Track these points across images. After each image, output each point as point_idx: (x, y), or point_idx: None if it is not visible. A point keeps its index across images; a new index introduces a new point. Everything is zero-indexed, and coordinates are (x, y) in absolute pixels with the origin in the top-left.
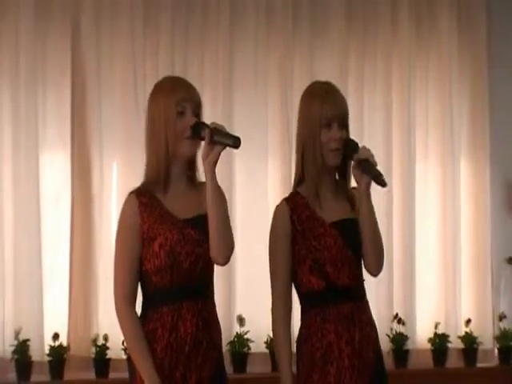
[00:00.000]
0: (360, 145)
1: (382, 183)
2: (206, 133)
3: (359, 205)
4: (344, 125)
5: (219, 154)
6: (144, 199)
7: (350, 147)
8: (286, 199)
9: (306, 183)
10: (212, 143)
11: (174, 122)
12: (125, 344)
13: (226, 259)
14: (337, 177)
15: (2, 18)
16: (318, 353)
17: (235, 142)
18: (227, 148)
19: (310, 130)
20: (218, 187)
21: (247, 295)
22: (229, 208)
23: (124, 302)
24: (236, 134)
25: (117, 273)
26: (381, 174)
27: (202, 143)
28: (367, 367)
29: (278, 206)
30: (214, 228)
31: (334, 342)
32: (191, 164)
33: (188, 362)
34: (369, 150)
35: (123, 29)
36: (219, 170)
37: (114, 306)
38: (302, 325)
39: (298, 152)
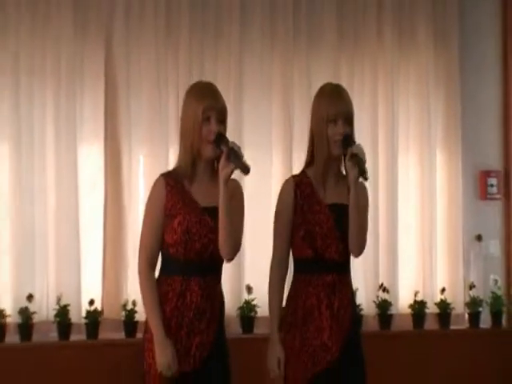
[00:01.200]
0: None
1: (365, 178)
2: (224, 150)
3: (351, 190)
4: (349, 121)
5: (232, 172)
6: (171, 182)
7: (346, 141)
8: (293, 176)
9: (314, 166)
10: (228, 160)
11: (200, 127)
12: (143, 301)
13: (230, 257)
14: (342, 168)
15: (47, 30)
16: (300, 312)
17: (245, 170)
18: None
19: (319, 123)
20: (232, 191)
21: (254, 268)
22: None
23: (146, 265)
24: (246, 129)
25: (142, 240)
26: (366, 171)
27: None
28: (343, 331)
29: (286, 180)
30: (222, 229)
31: (315, 305)
32: (217, 160)
33: (191, 326)
34: (362, 149)
35: (148, 39)
36: None
37: (138, 269)
38: (290, 287)
39: (309, 140)
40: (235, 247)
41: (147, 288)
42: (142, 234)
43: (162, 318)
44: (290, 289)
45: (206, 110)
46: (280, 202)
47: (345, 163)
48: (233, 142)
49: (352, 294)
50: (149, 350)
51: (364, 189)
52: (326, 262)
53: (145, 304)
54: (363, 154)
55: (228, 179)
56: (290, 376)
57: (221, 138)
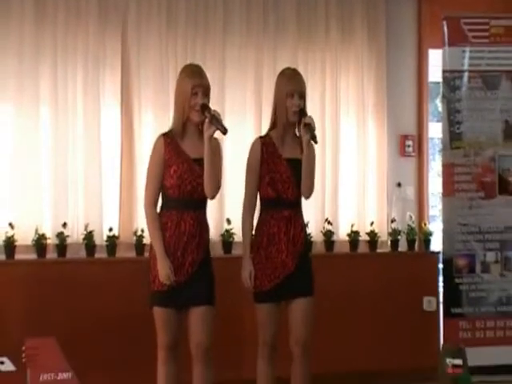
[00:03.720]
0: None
1: (315, 141)
2: (208, 116)
3: (304, 149)
4: (302, 96)
5: (214, 132)
6: (168, 139)
7: (301, 112)
8: (260, 137)
9: (275, 130)
10: (211, 123)
11: (189, 99)
12: (148, 230)
13: (212, 195)
14: (296, 132)
15: (78, 20)
16: (265, 238)
17: (224, 131)
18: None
19: (280, 98)
20: (214, 147)
21: (232, 205)
22: (225, 150)
23: (150, 203)
24: (227, 100)
25: (147, 184)
26: (315, 136)
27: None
28: (296, 251)
29: (254, 140)
30: (206, 174)
31: (277, 232)
32: (202, 124)
33: (185, 247)
34: (312, 119)
35: (154, 31)
36: None
37: (144, 206)
38: (258, 219)
39: (272, 110)
40: (216, 187)
41: (151, 220)
42: (146, 180)
43: (162, 241)
44: (258, 221)
45: (194, 87)
46: (250, 156)
47: (299, 129)
48: (214, 110)
49: (304, 224)
50: (154, 265)
51: (312, 147)
52: (285, 201)
53: (149, 231)
54: (314, 123)
55: (211, 137)
56: (257, 284)
57: (205, 107)
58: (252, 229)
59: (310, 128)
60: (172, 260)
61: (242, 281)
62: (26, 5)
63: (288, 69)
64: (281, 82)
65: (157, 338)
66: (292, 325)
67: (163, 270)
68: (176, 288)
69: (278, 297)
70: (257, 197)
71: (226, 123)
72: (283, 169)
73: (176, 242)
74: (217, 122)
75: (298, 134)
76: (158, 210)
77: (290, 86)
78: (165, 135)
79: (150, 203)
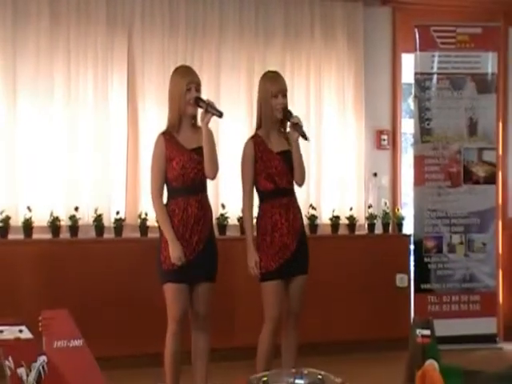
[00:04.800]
0: (294, 112)
1: (305, 139)
2: (204, 105)
3: (293, 145)
4: (285, 95)
5: (210, 118)
6: (167, 137)
7: (287, 113)
8: (251, 137)
9: (262, 128)
10: (207, 112)
11: (184, 95)
12: (156, 218)
13: (214, 176)
14: (284, 128)
15: (89, 24)
16: (269, 226)
17: (220, 115)
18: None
19: (265, 97)
20: (210, 133)
21: (227, 192)
22: (216, 141)
23: (156, 194)
24: (221, 97)
25: (152, 177)
26: (305, 134)
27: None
28: (296, 234)
29: (247, 141)
30: (206, 157)
31: (278, 219)
32: (194, 117)
33: (192, 229)
34: (299, 118)
35: (157, 36)
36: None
37: (151, 197)
38: (259, 210)
39: (257, 111)
40: (216, 169)
41: (159, 209)
42: (151, 174)
43: (171, 227)
44: (259, 212)
45: (188, 83)
46: (244, 155)
47: (284, 126)
48: (208, 99)
49: (299, 208)
50: (164, 248)
51: (298, 142)
52: (282, 190)
53: (159, 219)
54: (301, 122)
55: (208, 124)
56: (263, 266)
57: (198, 99)
58: (253, 220)
59: (299, 128)
60: (181, 242)
61: (249, 270)
62: (41, 11)
63: (270, 72)
64: (265, 83)
65: (164, 309)
66: (290, 299)
67: (175, 253)
68: (185, 266)
69: (282, 275)
70: (253, 190)
71: (220, 119)
72: (277, 162)
73: (184, 225)
74: (212, 108)
75: (282, 130)
76: (165, 199)
77: (275, 87)
78: (164, 133)
79: (157, 195)
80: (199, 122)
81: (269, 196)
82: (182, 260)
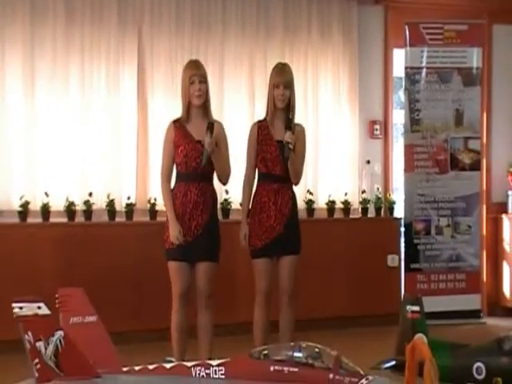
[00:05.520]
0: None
1: (283, 156)
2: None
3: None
4: (287, 87)
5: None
6: (177, 124)
7: (287, 126)
8: (256, 122)
9: (268, 115)
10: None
11: (188, 87)
12: (164, 203)
13: (225, 183)
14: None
15: (100, 26)
16: (258, 206)
17: (201, 162)
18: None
19: (269, 88)
20: (218, 137)
21: (230, 179)
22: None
23: (164, 178)
24: (225, 88)
25: (162, 162)
26: (288, 157)
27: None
28: (283, 217)
29: (253, 124)
30: (218, 171)
31: (267, 202)
32: (202, 108)
33: (191, 213)
34: (292, 137)
35: (165, 34)
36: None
37: (160, 181)
38: (254, 191)
39: (267, 99)
40: (227, 178)
41: (164, 190)
42: (162, 159)
43: (173, 208)
44: (254, 192)
45: (191, 76)
46: (249, 136)
47: (290, 117)
48: (209, 143)
49: (292, 195)
50: (167, 228)
51: (303, 132)
52: (273, 176)
53: (163, 200)
54: (293, 141)
55: (213, 150)
56: (251, 243)
57: (210, 126)
58: (250, 198)
59: (287, 147)
60: (181, 223)
61: (240, 241)
62: (58, 11)
63: (279, 63)
64: (271, 75)
65: (171, 288)
66: (280, 278)
67: (173, 232)
68: (185, 246)
69: (270, 253)
70: (255, 171)
71: (224, 109)
72: (273, 149)
73: (183, 208)
74: (205, 151)
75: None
76: (173, 182)
77: (276, 79)
78: (175, 122)
79: (165, 179)
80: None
81: (262, 179)
82: (179, 239)
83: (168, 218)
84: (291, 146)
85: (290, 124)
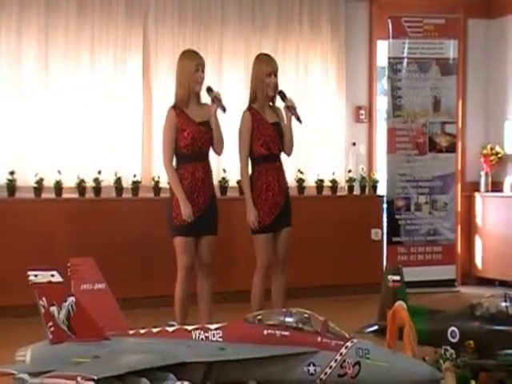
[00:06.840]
0: (287, 94)
1: (299, 122)
2: (212, 95)
3: (286, 123)
4: (276, 75)
5: (217, 108)
6: (177, 110)
7: (282, 95)
8: (248, 109)
9: (257, 102)
10: (213, 102)
11: (194, 74)
12: (167, 181)
13: (221, 153)
14: (271, 103)
15: (109, 17)
16: (264, 186)
17: (224, 110)
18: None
19: (260, 76)
20: (217, 121)
21: (227, 158)
22: (218, 114)
23: (168, 161)
24: (223, 78)
25: (164, 145)
26: (299, 117)
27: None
28: (284, 192)
29: (244, 112)
30: (216, 140)
31: (271, 180)
32: (198, 95)
33: (199, 190)
34: (292, 101)
35: (168, 28)
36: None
37: (163, 163)
38: (253, 173)
39: (251, 87)
40: (223, 147)
41: (171, 172)
42: (163, 143)
43: (182, 188)
44: (254, 174)
45: (197, 65)
46: (243, 125)
47: (274, 101)
48: (217, 92)
49: (284, 171)
50: (176, 206)
51: (290, 119)
52: (274, 155)
53: (172, 182)
54: (295, 104)
55: (215, 113)
56: (260, 220)
57: (209, 89)
58: (249, 177)
59: (294, 110)
60: (190, 201)
61: (248, 223)
62: (70, 5)
63: (263, 54)
64: (259, 64)
65: (173, 258)
66: (277, 248)
67: (186, 211)
68: (192, 222)
69: (273, 228)
70: (249, 155)
71: (222, 95)
72: (270, 131)
73: (193, 187)
74: (217, 100)
75: (271, 104)
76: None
77: (269, 67)
78: (174, 107)
79: (168, 161)
80: (203, 100)
81: (263, 160)
82: (191, 217)
83: (179, 198)
84: (296, 107)
85: (282, 93)
